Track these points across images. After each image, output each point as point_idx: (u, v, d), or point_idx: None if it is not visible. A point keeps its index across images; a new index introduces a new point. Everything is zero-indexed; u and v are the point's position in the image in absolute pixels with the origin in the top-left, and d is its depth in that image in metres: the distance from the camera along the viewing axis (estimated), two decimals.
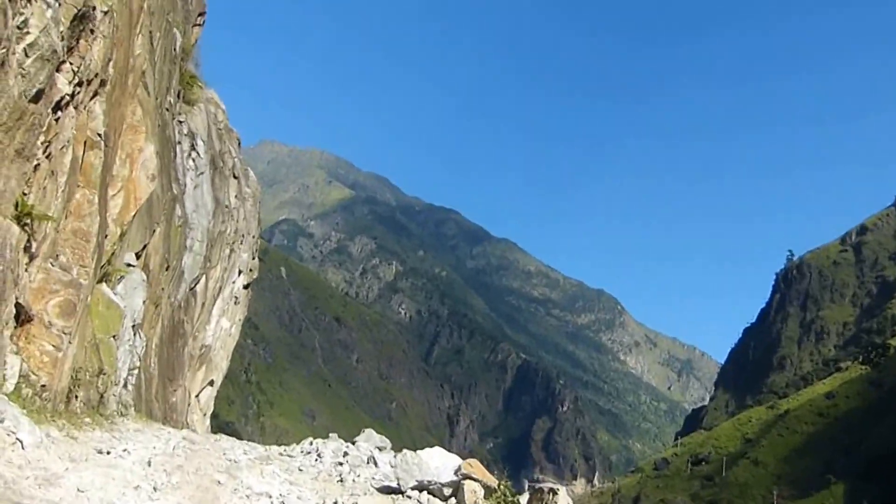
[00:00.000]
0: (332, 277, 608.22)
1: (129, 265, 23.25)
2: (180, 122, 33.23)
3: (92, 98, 17.60)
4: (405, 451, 20.18)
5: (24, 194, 14.45)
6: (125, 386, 21.91)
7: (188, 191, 33.89)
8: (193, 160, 34.72)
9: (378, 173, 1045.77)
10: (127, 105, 21.44)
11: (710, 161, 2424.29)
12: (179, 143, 32.65)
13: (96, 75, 17.32)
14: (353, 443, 21.74)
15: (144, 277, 24.34)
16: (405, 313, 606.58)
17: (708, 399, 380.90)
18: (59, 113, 15.57)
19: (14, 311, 14.21)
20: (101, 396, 18.77)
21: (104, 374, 18.90)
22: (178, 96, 32.85)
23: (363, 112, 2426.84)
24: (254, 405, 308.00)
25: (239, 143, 45.67)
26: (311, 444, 21.44)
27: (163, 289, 28.96)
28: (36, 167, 14.77)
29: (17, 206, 14.12)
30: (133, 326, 22.73)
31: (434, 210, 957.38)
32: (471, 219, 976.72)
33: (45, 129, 14.79)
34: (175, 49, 30.77)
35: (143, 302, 23.91)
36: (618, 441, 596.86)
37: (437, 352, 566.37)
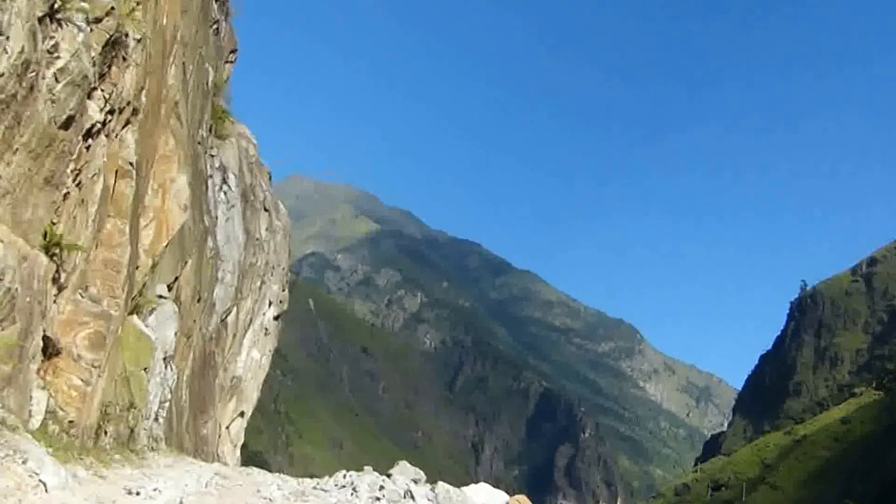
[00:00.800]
0: (359, 309, 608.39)
1: (160, 297, 22.53)
2: (212, 155, 32.72)
3: (124, 126, 16.89)
4: (445, 485, 19.25)
5: (53, 223, 13.71)
6: (156, 419, 21.13)
7: (220, 223, 33.29)
8: (225, 193, 34.17)
9: (403, 208, 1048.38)
10: (159, 135, 20.77)
11: (725, 194, 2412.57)
12: (211, 176, 32.10)
13: (128, 103, 16.62)
14: (389, 475, 20.78)
15: (176, 309, 23.63)
16: (430, 343, 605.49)
17: (726, 425, 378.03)
18: (90, 140, 14.86)
19: (41, 343, 13.44)
20: (132, 431, 17.96)
21: (135, 407, 18.10)
22: (210, 130, 32.29)
23: (389, 148, 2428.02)
24: (283, 435, 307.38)
25: (269, 177, 45.12)
26: (345, 477, 20.48)
27: (194, 320, 28.22)
28: (65, 195, 14.03)
29: (45, 235, 13.37)
30: (164, 359, 22.00)
31: (457, 243, 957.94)
32: (493, 251, 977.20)
33: (75, 156, 14.07)
34: (207, 84, 30.26)
35: (175, 334, 23.20)
36: (639, 467, 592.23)
37: (461, 381, 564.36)
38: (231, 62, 39.31)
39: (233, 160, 35.60)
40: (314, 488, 18.84)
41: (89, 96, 14.59)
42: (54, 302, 14.14)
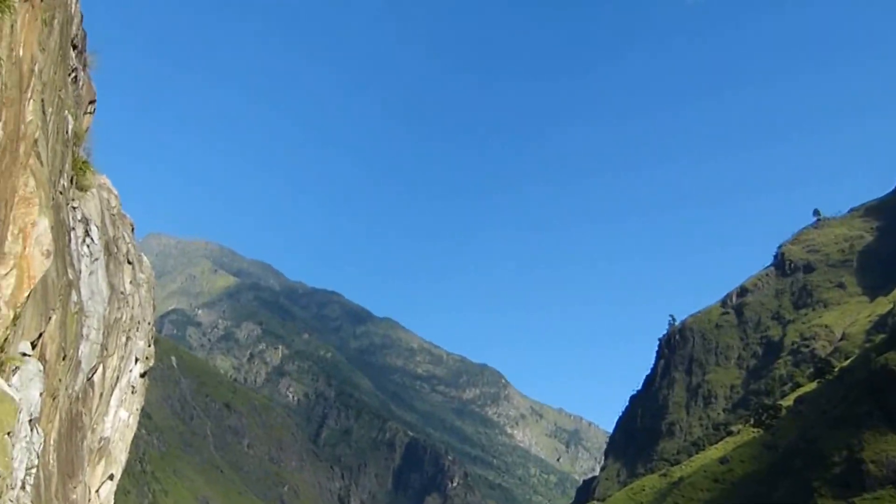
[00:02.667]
0: (221, 364, 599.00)
1: (24, 354, 20.43)
2: (74, 207, 30.64)
3: None
4: None
5: None
6: (23, 487, 18.93)
7: (83, 277, 31.14)
8: (88, 246, 32.07)
9: (262, 260, 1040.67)
10: (18, 175, 18.76)
11: (583, 243, 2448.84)
12: (73, 228, 30.00)
13: None
14: None
15: (41, 368, 21.48)
16: (293, 396, 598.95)
17: (598, 469, 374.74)
18: None
19: None
20: None
21: None
22: (71, 181, 30.22)
23: (245, 201, 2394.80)
24: (149, 494, 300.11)
25: (132, 229, 42.91)
26: None
27: (60, 380, 26.01)
28: None
29: None
30: (30, 421, 19.84)
31: (317, 293, 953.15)
32: (353, 300, 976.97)
33: None
34: (67, 132, 28.26)
35: (41, 394, 21.04)
36: None
37: (325, 433, 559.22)
38: (90, 113, 37.29)
39: (95, 212, 33.52)
40: None
41: None
42: None
